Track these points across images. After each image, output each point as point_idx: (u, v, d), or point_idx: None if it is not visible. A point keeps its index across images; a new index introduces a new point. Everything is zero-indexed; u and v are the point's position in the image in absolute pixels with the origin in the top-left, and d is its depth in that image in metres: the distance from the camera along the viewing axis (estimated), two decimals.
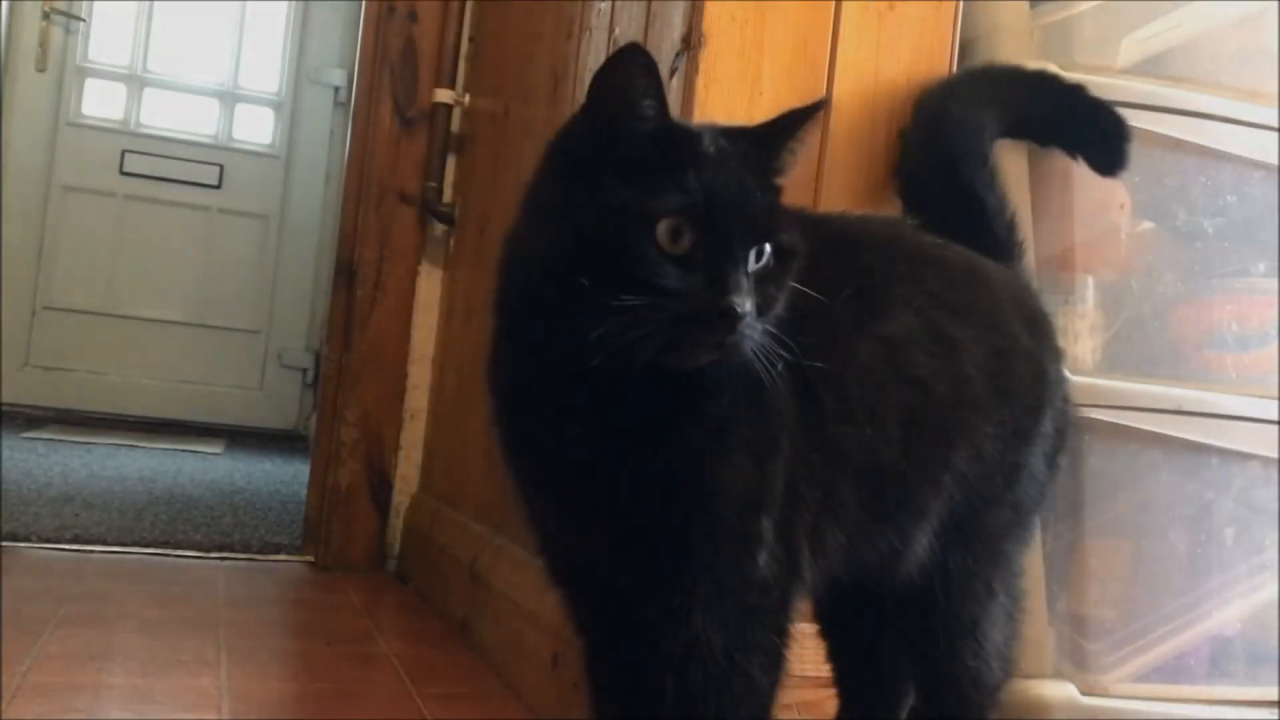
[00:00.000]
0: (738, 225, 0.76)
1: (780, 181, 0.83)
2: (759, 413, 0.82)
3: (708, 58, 1.11)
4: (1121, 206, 1.35)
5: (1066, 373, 1.07)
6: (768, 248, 0.78)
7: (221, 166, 4.43)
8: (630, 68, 0.77)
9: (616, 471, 0.80)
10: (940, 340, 0.94)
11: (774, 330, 0.79)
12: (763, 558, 0.82)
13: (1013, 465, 0.98)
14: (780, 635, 0.85)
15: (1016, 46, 1.31)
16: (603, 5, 1.46)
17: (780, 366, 0.79)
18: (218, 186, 4.42)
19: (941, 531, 0.96)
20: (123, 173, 4.32)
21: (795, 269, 0.81)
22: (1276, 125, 1.35)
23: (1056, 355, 1.05)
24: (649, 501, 0.80)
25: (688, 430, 0.80)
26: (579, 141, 0.80)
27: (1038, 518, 1.07)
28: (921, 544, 0.95)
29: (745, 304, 0.74)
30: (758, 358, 0.77)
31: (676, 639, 0.82)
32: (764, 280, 0.78)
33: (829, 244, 0.92)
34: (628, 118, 0.77)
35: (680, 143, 0.78)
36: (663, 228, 0.74)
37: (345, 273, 2.21)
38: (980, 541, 0.98)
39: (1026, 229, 1.21)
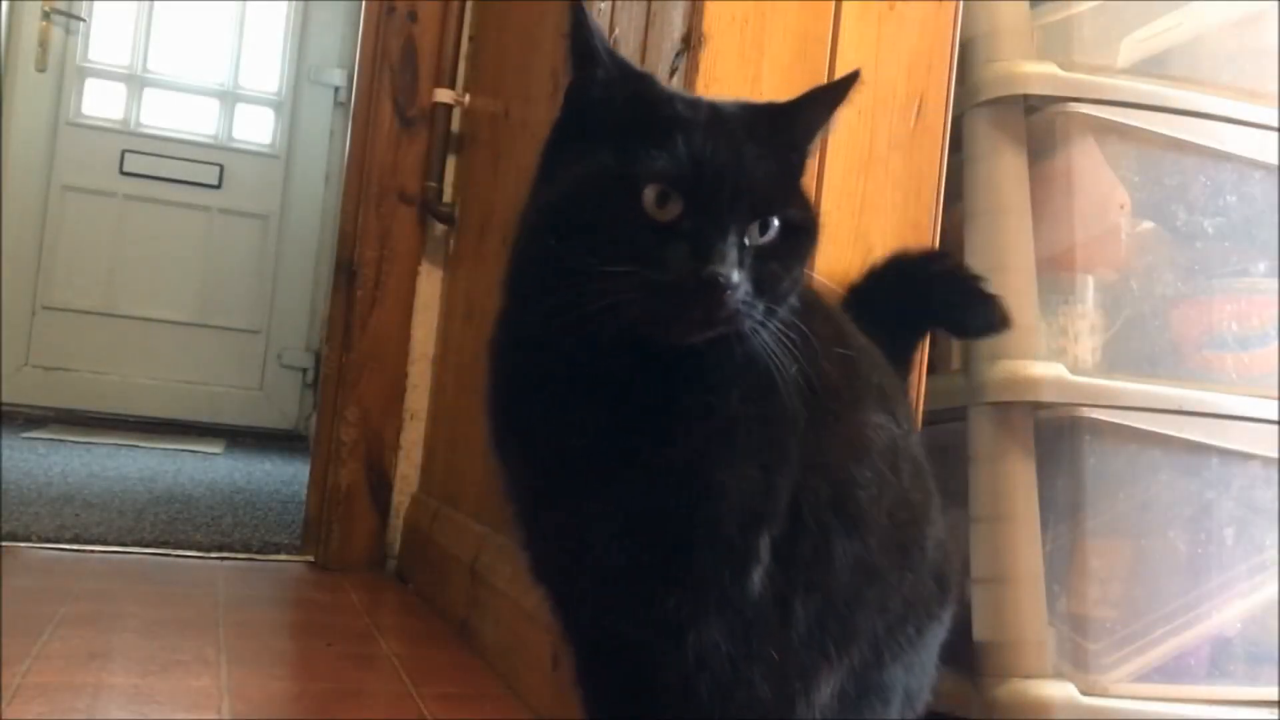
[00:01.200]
0: (729, 194, 0.71)
1: (801, 158, 0.79)
2: (769, 416, 0.76)
3: (708, 58, 1.11)
4: (1121, 206, 1.35)
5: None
6: (775, 222, 0.73)
7: (221, 166, 4.43)
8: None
9: (616, 465, 0.76)
10: (917, 466, 0.90)
11: (788, 318, 0.75)
12: (757, 575, 0.77)
13: (914, 632, 0.89)
14: (779, 650, 0.80)
15: (1016, 46, 1.31)
16: (603, 5, 1.46)
17: (795, 370, 0.75)
18: (218, 186, 4.42)
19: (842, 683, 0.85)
20: (123, 173, 4.32)
21: (808, 251, 0.77)
22: (1276, 125, 1.35)
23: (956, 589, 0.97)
24: (649, 502, 0.76)
25: (693, 427, 0.75)
26: (570, 107, 0.78)
27: None
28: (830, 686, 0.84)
29: (733, 275, 0.68)
30: (769, 349, 0.73)
31: (683, 646, 0.77)
32: (767, 256, 0.73)
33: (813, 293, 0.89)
34: (615, 81, 0.75)
35: (671, 107, 0.74)
36: (649, 193, 0.70)
37: (345, 273, 2.21)
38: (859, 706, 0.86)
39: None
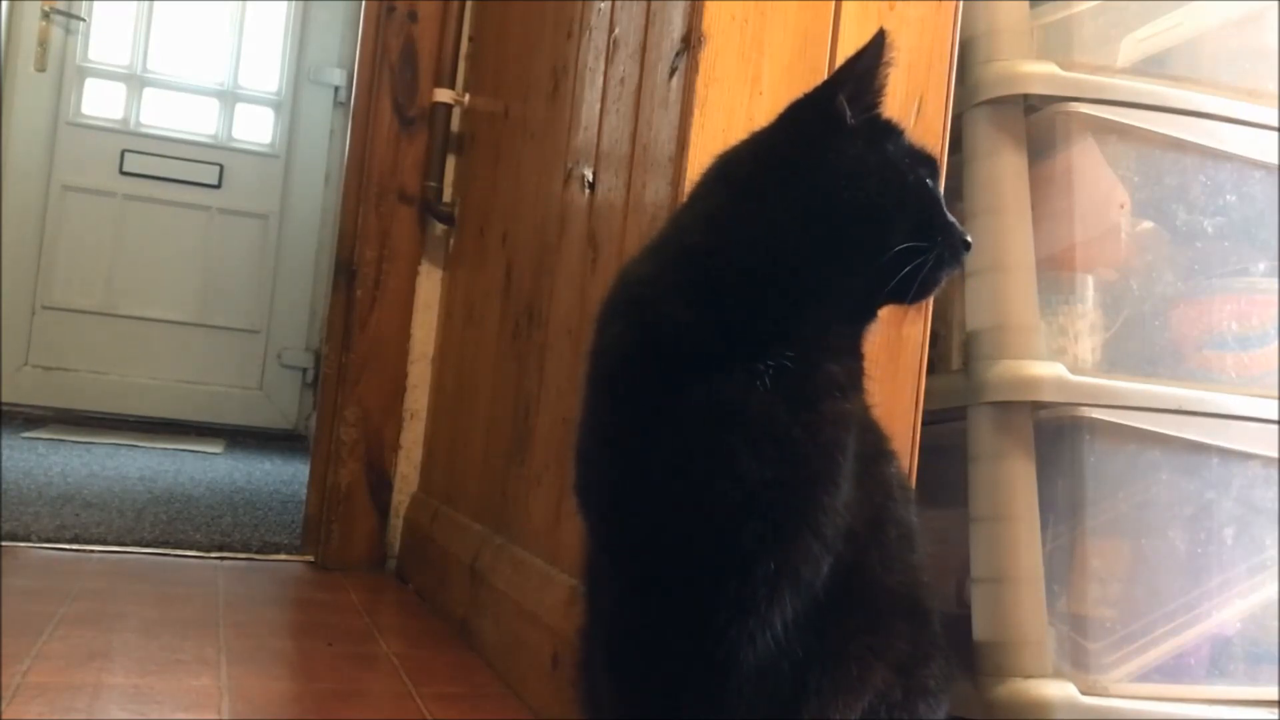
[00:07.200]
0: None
1: None
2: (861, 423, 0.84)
3: (708, 58, 1.11)
4: (1121, 206, 1.35)
5: None
6: None
7: (221, 166, 4.43)
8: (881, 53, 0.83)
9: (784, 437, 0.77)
10: (911, 531, 0.91)
11: None
12: (826, 564, 0.80)
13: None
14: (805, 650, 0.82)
15: (1016, 46, 1.31)
16: (603, 5, 1.46)
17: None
18: (218, 186, 4.42)
19: None
20: (123, 172, 4.32)
21: None
22: (1276, 125, 1.35)
23: None
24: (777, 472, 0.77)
25: (839, 407, 0.80)
26: (833, 112, 0.83)
27: None
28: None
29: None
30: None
31: (765, 620, 0.79)
32: None
33: None
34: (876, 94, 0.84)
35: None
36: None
37: (345, 272, 2.21)
38: None
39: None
